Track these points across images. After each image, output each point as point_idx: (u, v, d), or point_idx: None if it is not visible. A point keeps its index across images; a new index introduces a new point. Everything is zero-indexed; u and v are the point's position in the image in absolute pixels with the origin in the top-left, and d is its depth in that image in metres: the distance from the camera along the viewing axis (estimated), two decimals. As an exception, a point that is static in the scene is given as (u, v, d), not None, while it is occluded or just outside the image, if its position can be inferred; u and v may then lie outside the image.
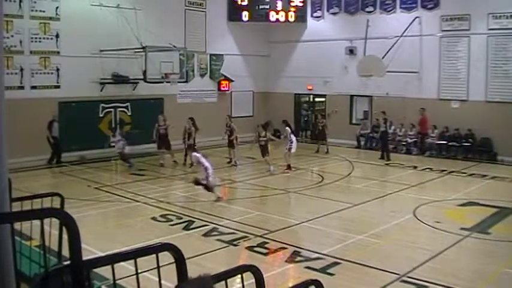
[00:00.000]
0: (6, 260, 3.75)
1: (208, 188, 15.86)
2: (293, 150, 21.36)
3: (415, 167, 22.28)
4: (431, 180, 19.73)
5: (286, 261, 11.06)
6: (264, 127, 21.53)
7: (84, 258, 3.48)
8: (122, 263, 3.67)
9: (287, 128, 22.14)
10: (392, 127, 25.52)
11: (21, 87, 21.89)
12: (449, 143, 24.81)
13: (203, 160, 16.15)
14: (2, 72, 3.86)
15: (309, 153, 23.64)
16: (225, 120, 23.32)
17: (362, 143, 27.93)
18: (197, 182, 16.13)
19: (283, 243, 12.10)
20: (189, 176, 19.47)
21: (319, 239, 12.63)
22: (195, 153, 17.17)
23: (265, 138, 20.88)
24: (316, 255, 11.27)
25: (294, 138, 21.64)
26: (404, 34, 26.06)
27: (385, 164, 23.15)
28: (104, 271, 3.94)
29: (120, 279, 3.68)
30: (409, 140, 26.07)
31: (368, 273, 10.29)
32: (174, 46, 23.81)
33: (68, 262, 3.42)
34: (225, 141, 23.14)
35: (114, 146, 21.37)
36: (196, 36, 28.29)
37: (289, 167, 21.21)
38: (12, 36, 21.23)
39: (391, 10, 27.17)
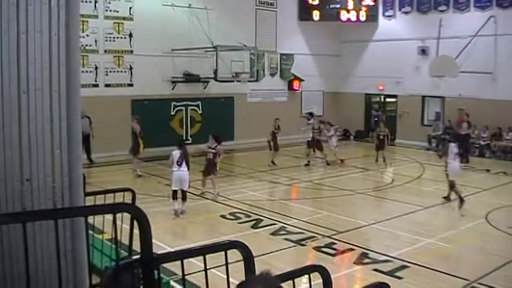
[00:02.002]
0: (81, 252, 3.87)
1: None
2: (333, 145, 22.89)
3: (487, 171, 21.64)
4: (504, 185, 19.10)
5: (354, 262, 10.97)
6: (216, 138, 17.13)
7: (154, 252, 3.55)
8: (190, 259, 3.73)
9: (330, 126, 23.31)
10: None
11: (96, 85, 22.54)
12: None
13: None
14: (78, 71, 3.99)
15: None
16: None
17: (433, 144, 27.36)
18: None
19: (351, 244, 12.00)
20: (258, 175, 19.54)
21: (388, 241, 12.44)
22: None
23: (214, 151, 16.69)
24: (385, 257, 11.12)
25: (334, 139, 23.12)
26: (479, 34, 25.33)
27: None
28: (172, 266, 4.01)
29: (188, 274, 3.73)
30: (482, 143, 25.32)
31: (438, 277, 10.06)
32: (245, 45, 23.96)
33: (138, 256, 3.50)
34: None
35: None
36: (267, 35, 28.38)
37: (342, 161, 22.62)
38: (87, 35, 21.93)
39: (464, 9, 26.44)
